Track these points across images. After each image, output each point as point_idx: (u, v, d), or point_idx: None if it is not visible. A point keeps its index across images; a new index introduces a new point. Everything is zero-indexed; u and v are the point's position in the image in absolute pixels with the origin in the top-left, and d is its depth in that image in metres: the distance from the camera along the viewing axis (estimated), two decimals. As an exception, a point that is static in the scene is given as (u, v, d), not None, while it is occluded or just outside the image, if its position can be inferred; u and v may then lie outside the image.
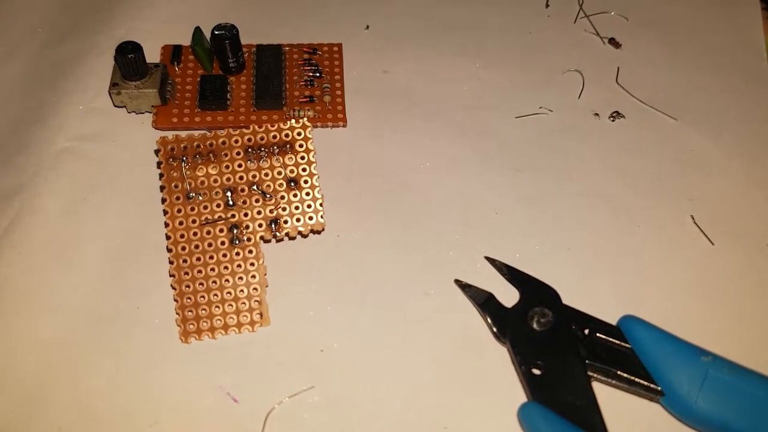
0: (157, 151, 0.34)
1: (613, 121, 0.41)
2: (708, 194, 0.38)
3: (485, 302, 0.34)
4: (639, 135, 0.41)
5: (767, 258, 0.36)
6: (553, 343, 0.32)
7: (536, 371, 0.31)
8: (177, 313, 0.33)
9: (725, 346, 0.31)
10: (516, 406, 0.31)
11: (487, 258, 0.36)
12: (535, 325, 0.33)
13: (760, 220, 0.38)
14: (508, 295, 0.34)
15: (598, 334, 0.32)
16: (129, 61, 0.37)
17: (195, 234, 0.34)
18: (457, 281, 0.35)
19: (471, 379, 0.32)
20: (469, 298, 0.34)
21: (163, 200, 0.34)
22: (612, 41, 0.45)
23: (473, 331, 0.34)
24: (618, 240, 0.37)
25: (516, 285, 0.34)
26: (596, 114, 0.41)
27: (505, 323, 0.33)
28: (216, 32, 0.39)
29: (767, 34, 0.45)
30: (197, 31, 0.41)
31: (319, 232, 0.36)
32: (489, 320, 0.33)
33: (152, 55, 0.40)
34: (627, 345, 0.32)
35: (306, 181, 0.35)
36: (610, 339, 0.32)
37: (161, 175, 0.34)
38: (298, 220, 0.35)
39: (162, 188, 0.34)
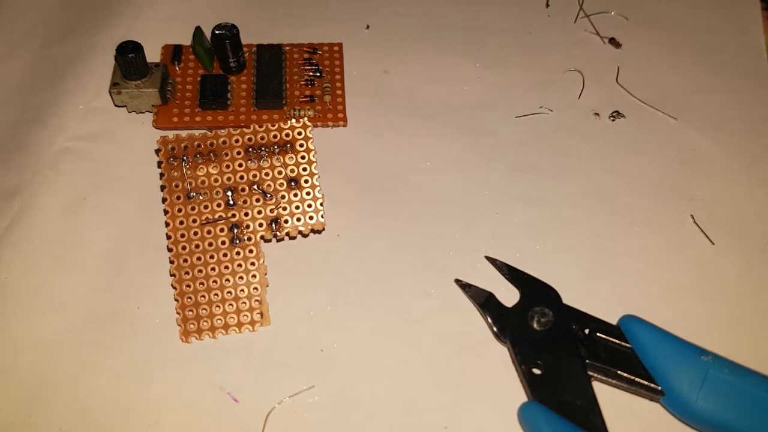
0: (157, 151, 0.34)
1: (613, 120, 0.41)
2: (708, 194, 0.38)
3: (485, 302, 0.34)
4: (639, 135, 0.41)
5: (767, 258, 0.36)
6: (554, 343, 0.32)
7: (536, 371, 0.31)
8: (177, 313, 0.33)
9: (725, 346, 0.31)
10: (516, 406, 0.31)
11: (488, 258, 0.36)
12: (535, 325, 0.33)
13: (761, 220, 0.38)
14: (508, 295, 0.34)
15: (598, 334, 0.32)
16: (129, 60, 0.37)
17: (195, 233, 0.34)
18: (457, 281, 0.35)
19: (471, 379, 0.32)
20: (470, 297, 0.34)
21: (164, 200, 0.34)
22: (612, 41, 0.45)
23: (473, 331, 0.34)
24: (618, 240, 0.37)
25: (516, 285, 0.34)
26: (596, 114, 0.41)
27: (505, 323, 0.33)
28: (216, 32, 0.39)
29: (767, 33, 0.45)
30: (198, 31, 0.41)
31: (319, 232, 0.36)
32: (489, 320, 0.33)
33: (153, 54, 0.40)
34: (627, 345, 0.32)
35: (306, 181, 0.35)
36: (611, 339, 0.32)
37: (162, 175, 0.34)
38: (298, 219, 0.35)
39: (162, 188, 0.34)
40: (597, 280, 0.35)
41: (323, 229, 0.35)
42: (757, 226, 0.37)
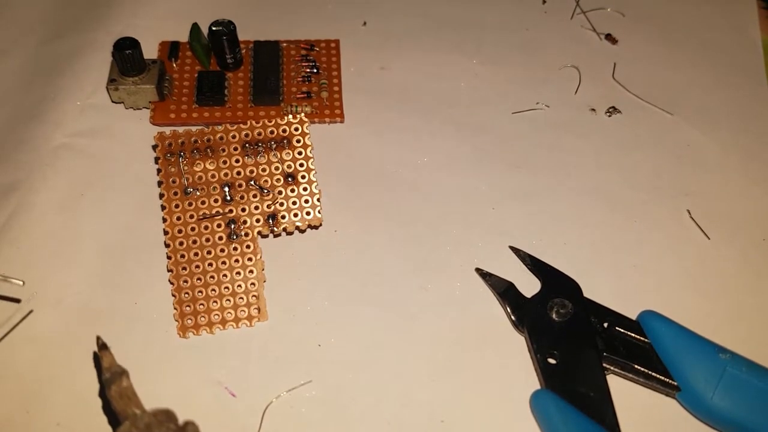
0: (154, 147, 0.34)
1: (609, 116, 0.41)
2: (704, 189, 0.39)
3: (505, 291, 0.34)
4: (635, 130, 0.41)
5: (763, 252, 0.36)
6: (571, 335, 0.32)
7: (552, 360, 0.32)
8: (175, 308, 0.33)
9: (721, 340, 0.31)
10: (514, 402, 0.31)
11: (512, 247, 0.36)
12: (554, 316, 0.33)
13: (756, 215, 0.38)
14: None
15: (616, 328, 0.32)
16: (126, 57, 0.37)
17: (193, 229, 0.34)
18: (478, 270, 0.35)
19: (467, 374, 0.33)
20: (490, 286, 0.35)
21: (161, 195, 0.34)
22: (609, 37, 0.45)
23: (469, 326, 0.34)
24: (615, 235, 0.37)
25: (538, 275, 0.35)
26: (593, 109, 0.42)
27: (523, 312, 0.33)
28: (213, 28, 0.39)
29: (763, 30, 0.45)
30: (195, 28, 0.41)
31: (316, 228, 0.36)
32: (508, 309, 0.34)
33: (150, 51, 0.40)
34: (645, 339, 0.32)
35: (303, 177, 0.35)
36: (629, 333, 0.32)
37: (159, 171, 0.34)
38: (295, 215, 0.35)
39: (160, 183, 0.34)
40: (593, 275, 0.35)
41: (320, 225, 0.36)
42: (752, 221, 0.37)
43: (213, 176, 0.34)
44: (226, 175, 0.35)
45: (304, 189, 0.35)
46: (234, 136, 0.35)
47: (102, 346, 0.26)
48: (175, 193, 0.34)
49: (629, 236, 0.37)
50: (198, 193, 0.34)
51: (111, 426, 0.30)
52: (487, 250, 0.36)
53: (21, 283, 0.32)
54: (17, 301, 0.33)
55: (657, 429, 0.31)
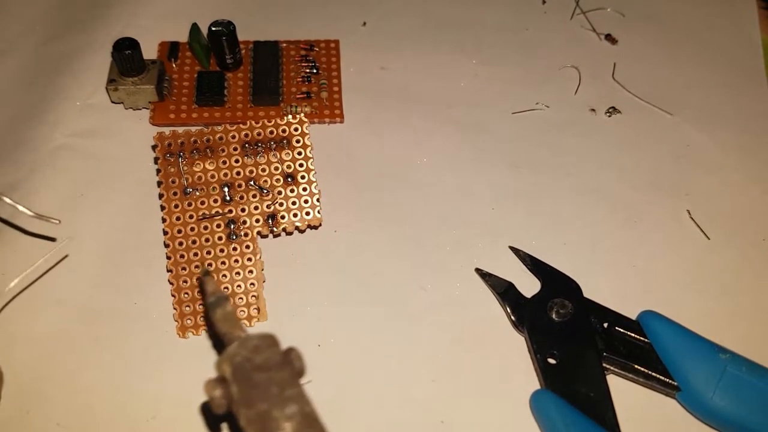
0: (154, 147, 0.34)
1: (609, 116, 0.41)
2: (704, 189, 0.39)
3: (505, 291, 0.34)
4: (635, 130, 0.41)
5: (763, 252, 0.36)
6: (571, 335, 0.32)
7: (552, 360, 0.32)
8: (174, 308, 0.33)
9: (721, 340, 0.31)
10: (514, 402, 0.31)
11: (512, 248, 0.36)
12: (554, 316, 0.33)
13: (756, 216, 0.38)
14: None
15: (617, 328, 0.32)
16: (126, 57, 0.37)
17: (192, 229, 0.34)
18: (477, 270, 0.35)
19: (467, 374, 0.33)
20: (489, 286, 0.35)
21: (161, 195, 0.34)
22: (608, 37, 0.45)
23: (469, 325, 0.34)
24: (614, 235, 0.37)
25: (538, 275, 0.35)
26: (593, 110, 0.42)
27: (523, 313, 0.33)
28: (213, 28, 0.39)
29: (763, 30, 0.45)
30: (194, 28, 0.41)
31: (316, 228, 0.36)
32: (508, 309, 0.34)
33: (149, 51, 0.40)
34: (645, 339, 0.32)
35: (303, 177, 0.35)
36: (629, 333, 0.32)
37: (158, 171, 0.34)
38: (295, 215, 0.35)
39: (159, 184, 0.34)
40: (593, 275, 0.35)
41: (320, 225, 0.36)
42: (752, 221, 0.37)
43: (212, 176, 0.34)
44: (225, 175, 0.35)
45: (304, 189, 0.35)
46: (234, 137, 0.35)
47: (204, 272, 0.28)
48: (175, 194, 0.34)
49: (629, 236, 0.37)
50: (198, 194, 0.34)
51: (216, 350, 0.32)
52: (487, 250, 0.36)
53: (57, 221, 0.32)
54: (53, 239, 0.34)
55: (657, 429, 0.31)
